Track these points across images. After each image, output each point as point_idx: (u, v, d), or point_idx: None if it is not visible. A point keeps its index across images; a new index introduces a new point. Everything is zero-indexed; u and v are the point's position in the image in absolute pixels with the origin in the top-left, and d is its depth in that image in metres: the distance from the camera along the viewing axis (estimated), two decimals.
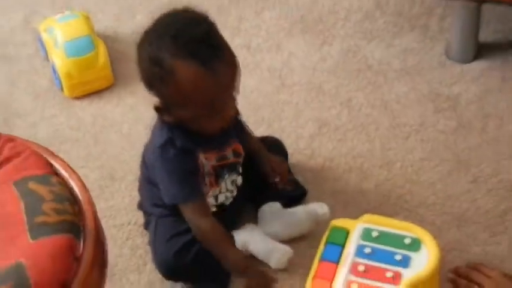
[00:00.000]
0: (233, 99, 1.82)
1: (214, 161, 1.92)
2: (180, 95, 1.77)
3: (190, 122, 1.82)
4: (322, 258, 1.93)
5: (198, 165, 1.89)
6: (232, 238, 1.96)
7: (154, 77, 1.78)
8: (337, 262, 1.91)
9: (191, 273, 1.95)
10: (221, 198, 1.99)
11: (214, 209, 1.97)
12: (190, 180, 1.87)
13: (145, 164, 1.98)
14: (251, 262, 1.95)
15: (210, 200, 1.96)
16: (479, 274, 1.94)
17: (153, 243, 2.00)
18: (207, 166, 1.91)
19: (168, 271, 1.97)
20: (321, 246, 1.96)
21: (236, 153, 1.97)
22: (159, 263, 1.97)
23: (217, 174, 1.95)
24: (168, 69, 1.74)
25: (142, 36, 1.80)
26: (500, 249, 2.06)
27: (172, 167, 1.85)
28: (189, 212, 1.88)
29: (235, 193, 2.02)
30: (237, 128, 1.99)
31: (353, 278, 1.87)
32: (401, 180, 2.21)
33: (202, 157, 1.89)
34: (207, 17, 1.80)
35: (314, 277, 1.90)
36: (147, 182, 1.98)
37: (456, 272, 1.98)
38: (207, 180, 1.93)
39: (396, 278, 1.86)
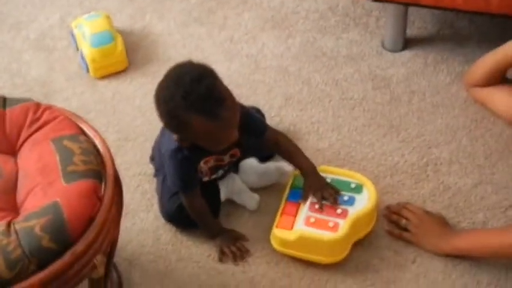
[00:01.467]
0: (235, 130, 1.77)
1: (212, 163, 1.90)
2: (195, 137, 1.76)
3: (200, 145, 1.80)
4: (288, 199, 1.93)
5: (197, 168, 1.87)
6: (211, 215, 1.93)
7: (174, 126, 1.76)
8: (299, 202, 1.91)
9: (187, 222, 1.93)
10: (214, 177, 1.96)
11: (207, 179, 1.94)
12: (190, 178, 1.86)
13: (160, 140, 1.94)
14: (223, 230, 1.95)
15: (205, 178, 1.93)
16: (407, 210, 1.95)
17: (160, 196, 1.99)
18: (204, 168, 1.89)
19: (171, 219, 1.97)
20: (287, 190, 1.96)
21: (232, 156, 1.93)
22: (165, 213, 1.97)
23: (213, 172, 1.93)
24: (183, 121, 1.71)
25: (158, 92, 1.75)
26: (422, 193, 2.05)
27: (177, 167, 1.83)
28: (184, 197, 1.88)
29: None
30: (256, 133, 1.93)
31: (311, 213, 1.88)
32: (348, 141, 2.19)
33: (201, 163, 1.87)
34: (210, 70, 1.73)
35: (281, 214, 1.90)
36: (159, 150, 1.95)
37: (389, 209, 1.98)
38: (203, 173, 1.91)
39: (344, 214, 1.87)
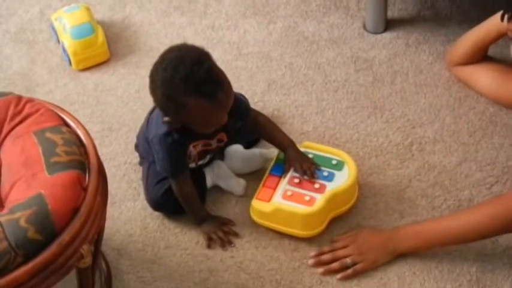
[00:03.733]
0: (226, 113, 1.78)
1: (200, 148, 1.90)
2: (189, 119, 1.77)
3: (190, 127, 1.81)
4: (270, 173, 1.96)
5: (187, 152, 1.87)
6: (199, 200, 1.93)
7: (169, 108, 1.76)
8: (281, 176, 1.92)
9: (174, 207, 1.94)
10: (200, 163, 1.97)
11: (193, 166, 1.94)
12: (179, 162, 1.86)
13: (147, 127, 1.93)
14: (209, 216, 1.95)
15: (191, 164, 1.93)
16: (340, 250, 1.85)
17: (145, 184, 1.98)
18: (193, 152, 1.89)
19: (157, 206, 1.97)
20: (271, 164, 1.97)
21: (219, 140, 1.93)
22: (151, 200, 1.97)
23: (200, 157, 1.94)
24: (180, 104, 1.72)
25: (155, 74, 1.74)
26: (408, 172, 2.06)
27: (167, 151, 1.83)
28: (174, 182, 1.88)
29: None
30: (241, 117, 1.93)
31: (289, 187, 1.91)
32: (333, 123, 2.19)
33: (191, 146, 1.87)
34: (206, 53, 1.75)
35: (262, 186, 1.95)
36: (145, 137, 1.94)
37: (322, 262, 1.85)
38: (191, 159, 1.91)
39: (321, 188, 1.90)
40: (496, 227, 1.73)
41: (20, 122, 1.57)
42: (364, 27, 2.50)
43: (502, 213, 1.71)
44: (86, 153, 1.53)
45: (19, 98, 1.62)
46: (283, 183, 1.92)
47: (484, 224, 1.74)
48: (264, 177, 1.95)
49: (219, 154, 2.03)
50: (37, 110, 1.60)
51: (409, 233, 1.83)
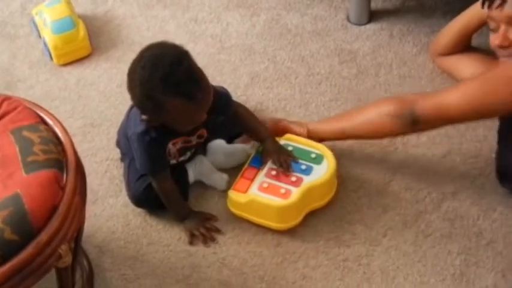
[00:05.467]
0: (205, 112, 1.77)
1: (180, 145, 1.89)
2: (167, 118, 1.76)
3: (169, 126, 1.80)
4: (249, 164, 1.96)
5: (166, 150, 1.86)
6: (180, 197, 1.92)
7: (147, 107, 1.75)
8: (259, 168, 1.92)
9: (156, 203, 1.92)
10: (181, 159, 1.95)
11: (174, 162, 1.93)
12: (158, 159, 1.85)
13: (126, 124, 1.92)
14: (192, 212, 1.94)
15: (172, 161, 1.92)
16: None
17: (126, 180, 1.97)
18: (172, 149, 1.88)
19: (139, 202, 1.96)
20: (252, 155, 1.97)
21: (200, 136, 1.92)
22: (132, 196, 1.96)
23: (181, 154, 1.92)
24: (159, 103, 1.71)
25: (133, 73, 1.73)
26: (392, 165, 2.05)
27: (146, 149, 1.82)
28: (154, 179, 1.87)
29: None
30: (223, 111, 1.92)
31: (266, 179, 1.92)
32: (316, 116, 2.18)
33: (170, 144, 1.86)
34: (185, 51, 1.73)
35: (241, 177, 1.95)
36: (125, 133, 1.93)
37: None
38: (172, 156, 1.90)
39: (298, 182, 1.90)
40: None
41: None
42: (348, 18, 2.48)
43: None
44: (63, 151, 1.51)
45: None
46: (261, 175, 1.92)
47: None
48: (243, 169, 1.95)
49: (201, 149, 2.01)
50: (14, 108, 1.58)
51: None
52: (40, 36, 2.46)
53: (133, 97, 1.76)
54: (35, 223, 1.37)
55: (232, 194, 1.90)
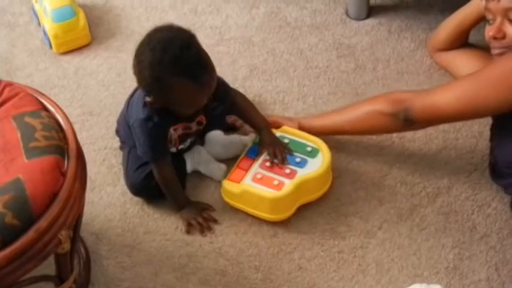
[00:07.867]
0: (210, 95, 1.79)
1: (180, 131, 1.90)
2: (173, 100, 1.78)
3: (172, 109, 1.81)
4: (246, 155, 1.97)
5: (167, 135, 1.88)
6: (179, 185, 1.93)
7: (155, 89, 1.76)
8: (255, 158, 1.93)
9: (154, 193, 1.94)
10: (181, 147, 1.97)
11: (174, 151, 1.95)
12: (160, 146, 1.86)
13: (127, 111, 1.93)
14: (189, 201, 1.95)
15: (172, 149, 1.94)
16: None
17: (125, 168, 1.98)
18: (174, 135, 1.90)
19: (137, 191, 1.97)
20: (248, 146, 1.99)
21: (199, 123, 1.94)
22: (131, 185, 1.97)
23: (181, 141, 1.94)
24: (166, 85, 1.72)
25: (141, 54, 1.74)
26: (388, 159, 2.06)
27: (148, 135, 1.83)
28: (155, 166, 1.88)
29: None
30: (221, 99, 1.93)
31: (260, 170, 1.93)
32: (314, 109, 2.20)
33: (171, 130, 1.88)
34: (193, 35, 1.76)
35: (236, 167, 1.96)
36: (125, 121, 1.94)
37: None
38: (172, 143, 1.92)
39: (291, 174, 1.92)
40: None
41: None
42: (347, 13, 2.50)
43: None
44: (65, 138, 1.52)
45: None
46: (255, 166, 1.94)
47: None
48: (239, 159, 1.97)
49: (200, 140, 2.03)
50: (16, 94, 1.59)
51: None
52: (40, 25, 2.46)
53: (140, 79, 1.77)
54: (36, 208, 1.38)
55: (226, 184, 1.92)
